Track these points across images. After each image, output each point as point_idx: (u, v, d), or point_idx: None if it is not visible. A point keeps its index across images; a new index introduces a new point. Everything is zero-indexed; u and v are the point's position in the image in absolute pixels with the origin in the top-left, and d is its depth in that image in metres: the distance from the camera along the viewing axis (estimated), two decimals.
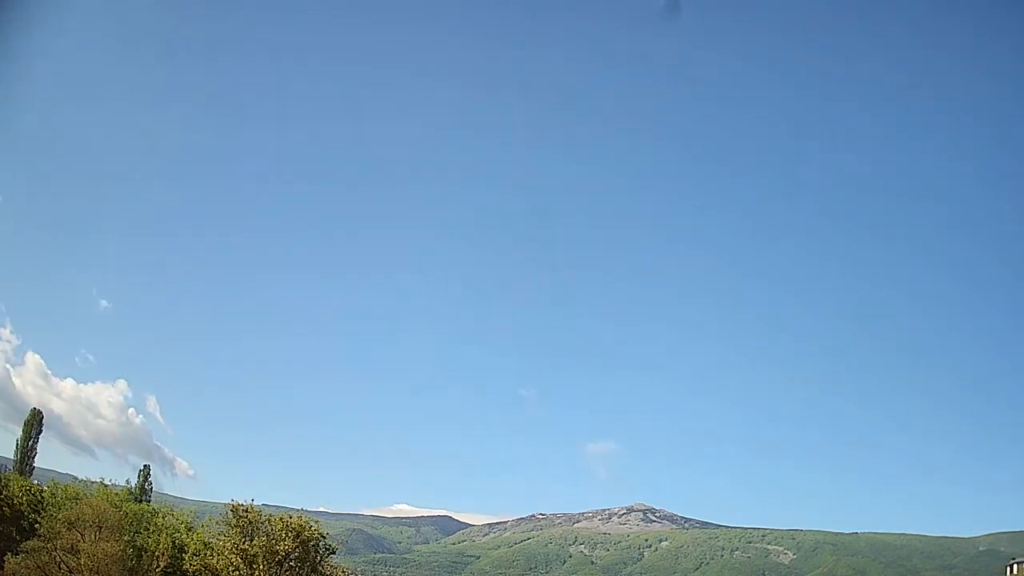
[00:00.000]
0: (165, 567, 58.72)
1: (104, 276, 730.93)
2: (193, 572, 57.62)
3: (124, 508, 61.73)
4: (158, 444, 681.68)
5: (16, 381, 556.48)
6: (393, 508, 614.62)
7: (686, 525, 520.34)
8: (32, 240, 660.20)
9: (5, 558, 57.91)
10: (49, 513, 60.04)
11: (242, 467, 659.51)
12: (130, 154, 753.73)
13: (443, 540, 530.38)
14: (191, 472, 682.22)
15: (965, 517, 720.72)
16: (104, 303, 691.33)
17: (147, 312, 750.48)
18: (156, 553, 58.77)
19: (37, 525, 58.93)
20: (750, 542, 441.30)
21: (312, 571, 59.54)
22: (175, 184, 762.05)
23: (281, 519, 58.92)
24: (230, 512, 58.81)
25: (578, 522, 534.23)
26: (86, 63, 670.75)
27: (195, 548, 59.36)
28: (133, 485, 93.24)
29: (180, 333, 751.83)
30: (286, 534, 57.08)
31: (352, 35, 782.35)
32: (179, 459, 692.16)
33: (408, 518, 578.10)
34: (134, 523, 60.95)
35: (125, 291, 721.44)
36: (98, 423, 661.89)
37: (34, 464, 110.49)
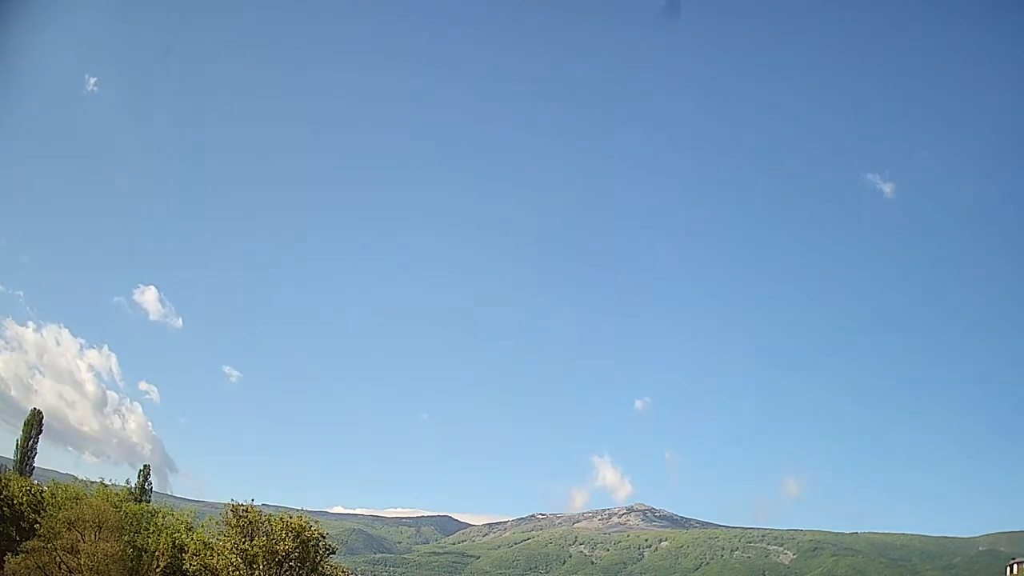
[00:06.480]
0: (165, 567, 58.68)
1: (102, 270, 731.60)
2: (193, 572, 57.57)
3: (124, 508, 61.70)
4: (160, 443, 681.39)
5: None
6: (393, 508, 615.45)
7: (686, 525, 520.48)
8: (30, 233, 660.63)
9: (5, 558, 57.85)
10: (49, 513, 59.84)
11: (242, 467, 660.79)
12: (145, 144, 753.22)
13: (443, 540, 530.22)
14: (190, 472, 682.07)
15: (965, 517, 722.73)
16: (117, 299, 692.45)
17: (145, 309, 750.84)
18: (156, 553, 58.75)
19: (37, 525, 58.75)
20: (750, 542, 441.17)
21: (312, 571, 59.46)
22: (182, 172, 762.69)
23: (281, 519, 58.80)
24: (230, 512, 58.72)
25: (578, 522, 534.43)
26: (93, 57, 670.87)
27: (195, 548, 59.26)
28: (133, 485, 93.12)
29: (179, 331, 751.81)
30: (286, 534, 56.97)
31: (355, 28, 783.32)
32: (179, 458, 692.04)
33: (408, 518, 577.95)
34: (134, 523, 60.91)
35: (122, 286, 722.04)
36: (96, 421, 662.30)
37: (34, 464, 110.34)
